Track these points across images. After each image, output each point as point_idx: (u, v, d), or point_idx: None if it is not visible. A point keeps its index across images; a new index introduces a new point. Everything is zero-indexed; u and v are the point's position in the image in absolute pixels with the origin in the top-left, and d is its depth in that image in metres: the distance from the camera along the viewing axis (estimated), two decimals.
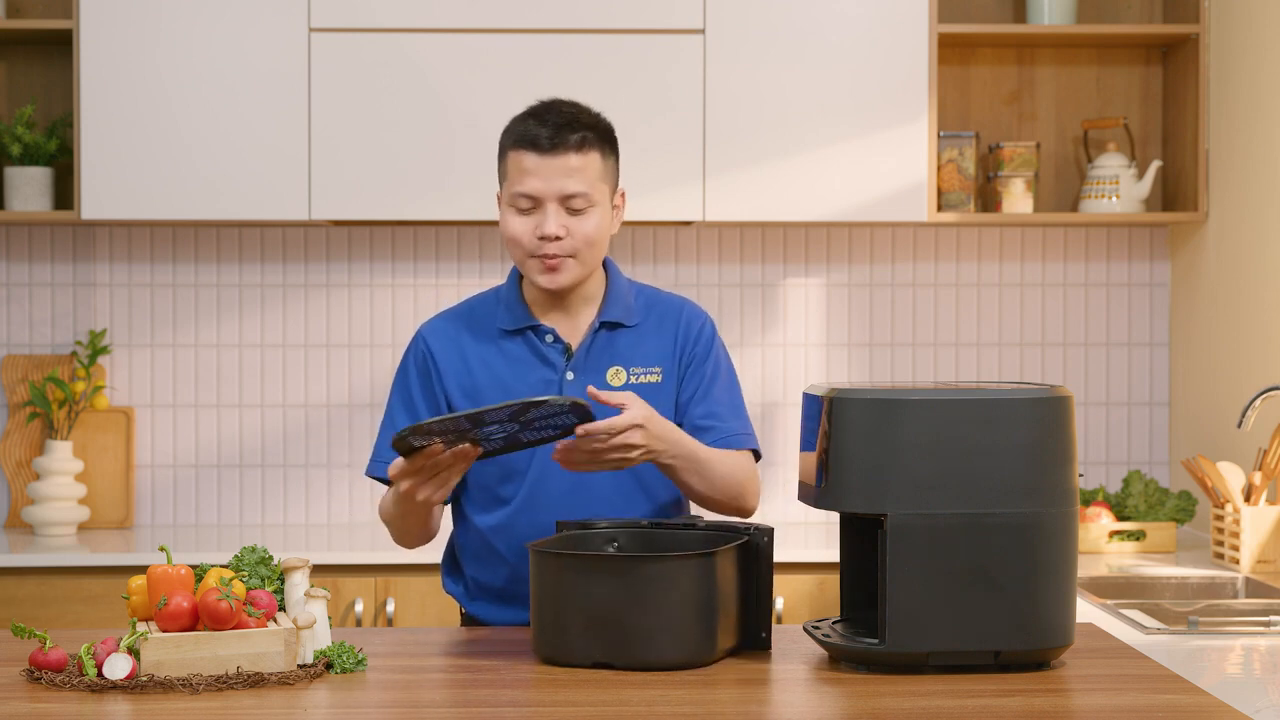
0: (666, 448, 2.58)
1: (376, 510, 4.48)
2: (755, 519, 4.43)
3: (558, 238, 2.65)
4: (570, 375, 2.71)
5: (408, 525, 2.72)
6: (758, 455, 2.79)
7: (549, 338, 2.73)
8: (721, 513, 2.75)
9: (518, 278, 2.78)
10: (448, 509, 3.14)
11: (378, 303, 4.52)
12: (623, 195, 2.76)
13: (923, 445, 2.29)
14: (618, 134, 2.81)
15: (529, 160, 2.65)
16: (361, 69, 4.17)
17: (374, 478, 2.77)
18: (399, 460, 2.47)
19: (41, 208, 4.32)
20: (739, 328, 4.54)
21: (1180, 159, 4.42)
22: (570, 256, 2.67)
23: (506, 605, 2.77)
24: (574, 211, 2.66)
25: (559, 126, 2.65)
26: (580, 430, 2.46)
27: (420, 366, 2.76)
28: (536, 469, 2.70)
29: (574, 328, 2.75)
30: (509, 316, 2.75)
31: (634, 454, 2.52)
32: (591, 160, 2.66)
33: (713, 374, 2.77)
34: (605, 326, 2.74)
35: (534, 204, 2.66)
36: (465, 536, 2.81)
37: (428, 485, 2.49)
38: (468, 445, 2.44)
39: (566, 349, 2.73)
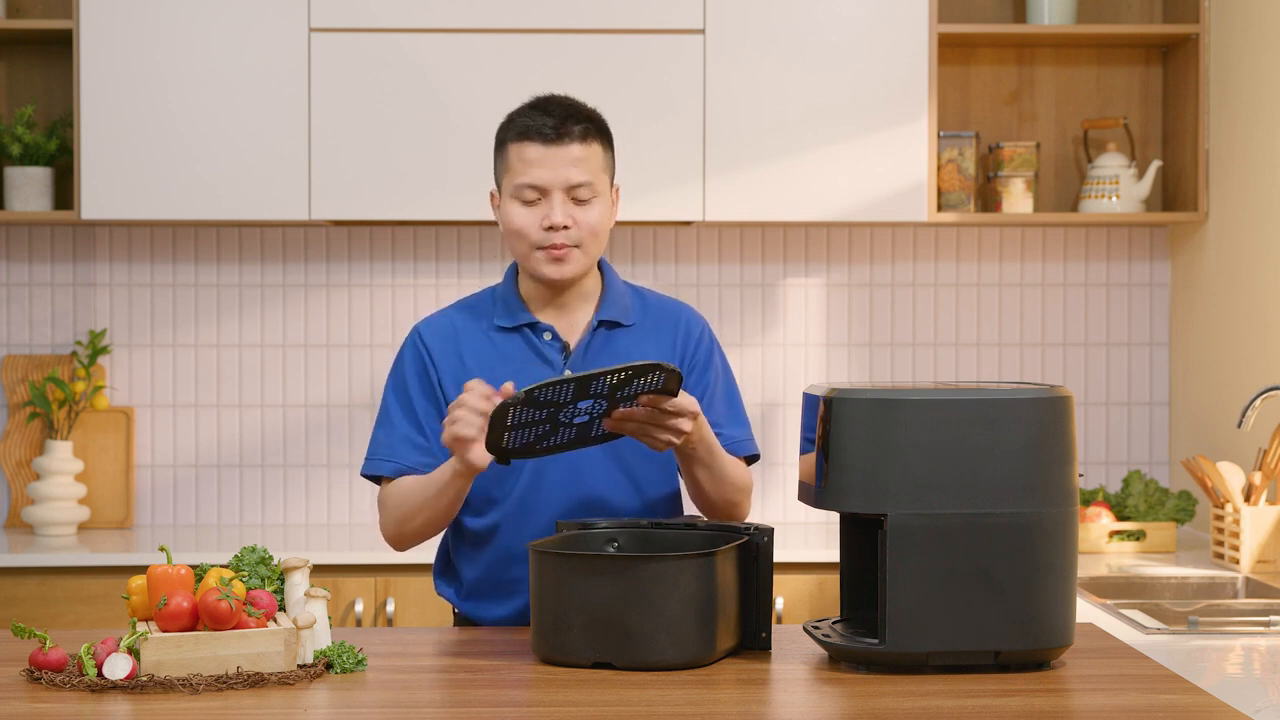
0: (699, 440, 2.60)
1: (376, 510, 4.49)
2: (755, 519, 4.43)
3: (565, 227, 2.66)
4: (568, 374, 2.71)
5: (425, 517, 2.67)
6: (757, 457, 2.81)
7: (547, 335, 2.74)
8: (715, 514, 2.76)
9: (514, 275, 2.78)
10: None
11: (378, 303, 4.52)
12: (618, 190, 2.77)
13: (923, 445, 2.29)
14: (618, 134, 2.82)
15: (533, 151, 2.66)
16: (361, 69, 4.17)
17: (369, 477, 2.76)
18: (480, 386, 2.47)
19: (41, 208, 4.32)
20: (739, 328, 4.54)
21: (1180, 159, 4.42)
22: (575, 247, 2.68)
23: (500, 601, 2.77)
24: (579, 202, 2.67)
25: (563, 118, 2.67)
26: (669, 405, 2.48)
27: (417, 364, 2.76)
28: (531, 465, 2.70)
29: (571, 326, 2.75)
30: (506, 314, 2.75)
31: (679, 439, 2.54)
32: (594, 151, 2.68)
33: (714, 381, 2.78)
34: (603, 325, 2.75)
35: (539, 195, 2.67)
36: (459, 538, 2.81)
37: (455, 434, 2.49)
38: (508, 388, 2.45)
39: (564, 347, 2.73)
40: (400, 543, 2.76)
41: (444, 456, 2.72)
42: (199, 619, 2.29)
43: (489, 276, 4.49)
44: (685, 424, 2.52)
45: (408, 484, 2.70)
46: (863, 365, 4.56)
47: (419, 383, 2.75)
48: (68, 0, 4.42)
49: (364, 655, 2.37)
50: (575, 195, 2.67)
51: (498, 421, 2.41)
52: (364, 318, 4.52)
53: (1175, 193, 4.45)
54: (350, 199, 4.18)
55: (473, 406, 2.47)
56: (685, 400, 2.51)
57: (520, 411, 2.41)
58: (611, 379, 2.40)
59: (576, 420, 2.46)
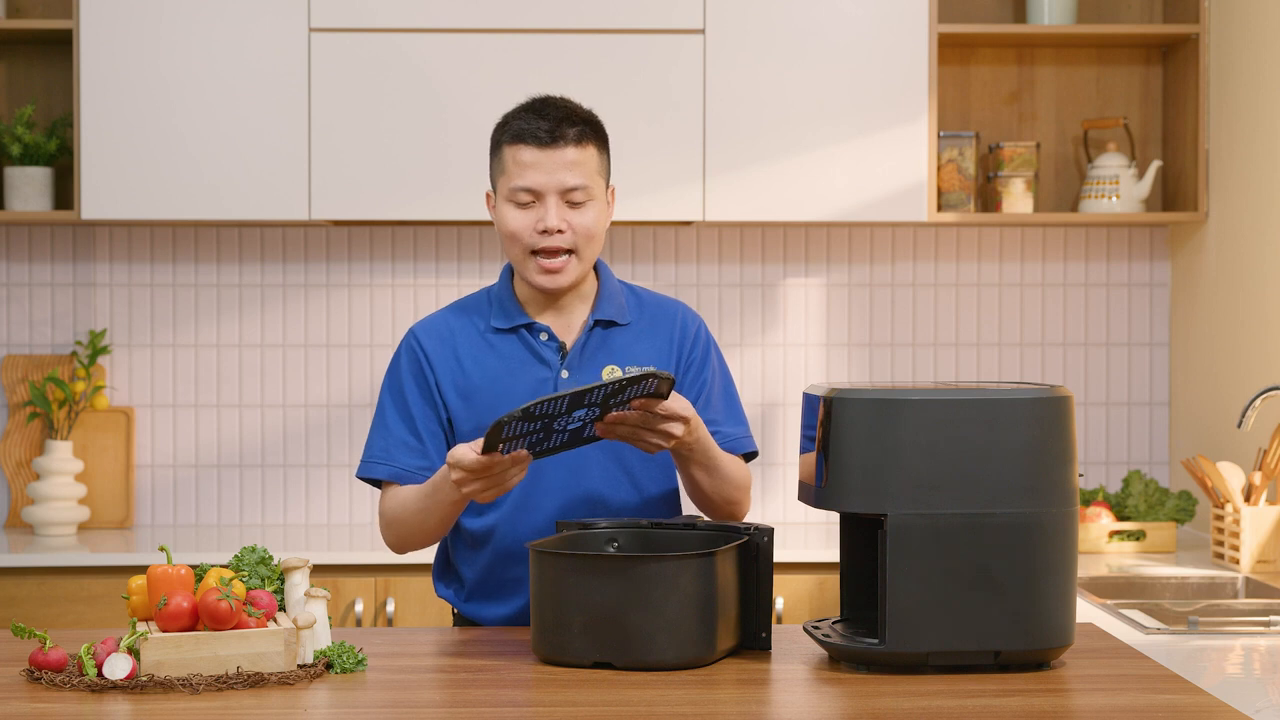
0: (694, 442, 2.60)
1: (376, 511, 4.49)
2: (755, 518, 4.44)
3: (559, 231, 2.65)
4: (565, 374, 2.71)
5: (430, 525, 2.68)
6: (755, 454, 2.81)
7: (543, 335, 2.73)
8: (714, 513, 2.76)
9: (510, 276, 2.78)
10: None
11: (378, 303, 4.52)
12: (613, 191, 2.77)
13: (923, 445, 2.29)
14: (618, 134, 2.82)
15: (528, 154, 2.66)
16: (361, 69, 4.17)
17: (365, 479, 2.76)
18: (464, 456, 2.45)
19: (41, 208, 4.32)
20: (739, 328, 4.54)
21: (1180, 159, 4.42)
22: (570, 251, 2.67)
23: (501, 601, 2.77)
24: (574, 205, 2.67)
25: (558, 120, 2.66)
26: (660, 409, 2.48)
27: (414, 366, 2.75)
28: (529, 465, 2.70)
29: (567, 326, 2.75)
30: (502, 315, 2.75)
31: (670, 442, 2.54)
32: (589, 154, 2.68)
33: (711, 379, 2.79)
34: (599, 325, 2.75)
35: (534, 198, 2.67)
36: (459, 539, 2.81)
37: (491, 490, 2.49)
38: (524, 451, 2.45)
39: (561, 347, 2.73)
40: (402, 549, 2.77)
41: (439, 461, 2.72)
42: (199, 619, 2.29)
43: (489, 276, 4.49)
44: (677, 428, 2.52)
45: (406, 494, 2.70)
46: (863, 365, 4.56)
47: (415, 385, 2.74)
48: (68, 0, 4.42)
49: (364, 655, 2.37)
50: (570, 199, 2.67)
51: (493, 435, 2.42)
52: (364, 318, 4.52)
53: (1175, 193, 4.45)
54: (350, 199, 4.18)
55: (474, 470, 2.46)
56: (677, 404, 2.51)
57: (515, 425, 2.41)
58: (604, 390, 2.41)
59: (570, 427, 2.47)
